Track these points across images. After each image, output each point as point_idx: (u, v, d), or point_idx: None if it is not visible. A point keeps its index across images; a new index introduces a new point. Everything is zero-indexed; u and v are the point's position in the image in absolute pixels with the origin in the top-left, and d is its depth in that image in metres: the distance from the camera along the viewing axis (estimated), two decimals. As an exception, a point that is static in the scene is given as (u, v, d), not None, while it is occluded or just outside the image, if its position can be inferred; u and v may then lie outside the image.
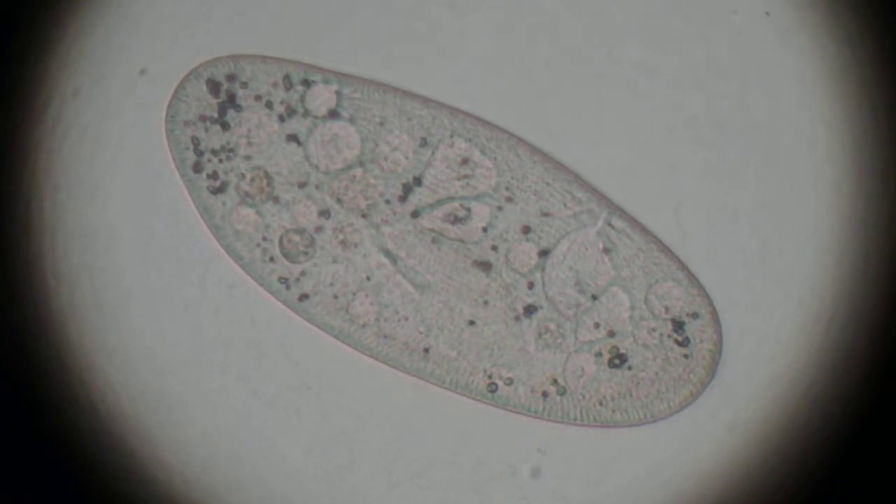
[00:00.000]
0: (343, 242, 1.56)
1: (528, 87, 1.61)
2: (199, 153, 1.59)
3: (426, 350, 1.60)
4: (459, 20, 1.61)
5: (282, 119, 1.58)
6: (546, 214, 1.58)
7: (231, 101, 1.58)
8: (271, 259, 1.60)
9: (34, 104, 1.61)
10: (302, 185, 1.58)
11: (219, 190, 1.59)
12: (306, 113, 1.58)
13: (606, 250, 1.58)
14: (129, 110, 1.62)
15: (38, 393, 1.62)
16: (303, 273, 1.60)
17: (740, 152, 1.61)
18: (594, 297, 1.58)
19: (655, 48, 1.60)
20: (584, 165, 1.60)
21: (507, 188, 1.58)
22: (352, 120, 1.58)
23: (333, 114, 1.58)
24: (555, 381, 1.59)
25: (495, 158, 1.58)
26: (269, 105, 1.58)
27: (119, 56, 1.62)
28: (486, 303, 1.59)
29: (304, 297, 1.60)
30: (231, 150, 1.59)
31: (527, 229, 1.58)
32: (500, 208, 1.58)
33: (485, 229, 1.58)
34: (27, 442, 1.61)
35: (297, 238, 1.59)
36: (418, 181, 1.58)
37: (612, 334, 1.59)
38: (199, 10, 1.62)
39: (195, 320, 1.64)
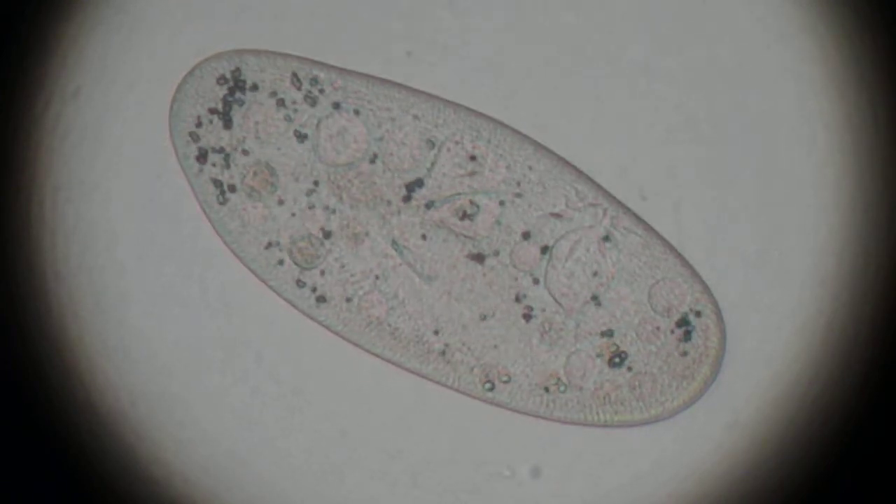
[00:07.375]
0: (354, 237, 1.56)
1: (529, 86, 1.62)
2: (201, 150, 1.59)
3: (430, 347, 1.60)
4: (461, 19, 1.61)
5: (288, 118, 1.59)
6: (551, 212, 1.58)
7: (234, 98, 1.58)
8: (280, 262, 1.60)
9: (34, 104, 1.60)
10: (309, 193, 1.58)
11: (227, 192, 1.59)
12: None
13: (609, 247, 1.58)
14: (130, 110, 1.62)
15: (38, 393, 1.62)
16: (321, 273, 1.60)
17: (740, 152, 1.61)
18: (600, 304, 1.58)
19: (655, 48, 1.61)
20: (584, 165, 1.60)
21: (518, 183, 1.58)
22: (358, 113, 1.58)
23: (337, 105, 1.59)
24: (557, 380, 1.59)
25: (501, 156, 1.58)
26: (281, 103, 1.58)
27: (119, 56, 1.62)
28: (486, 299, 1.59)
29: (320, 299, 1.60)
30: (235, 149, 1.59)
31: (530, 230, 1.58)
32: (502, 203, 1.58)
33: (492, 226, 1.58)
34: (27, 442, 1.61)
35: (304, 244, 1.59)
36: (421, 181, 1.58)
37: (612, 332, 1.59)
38: (200, 8, 1.62)
39: (195, 320, 1.64)
